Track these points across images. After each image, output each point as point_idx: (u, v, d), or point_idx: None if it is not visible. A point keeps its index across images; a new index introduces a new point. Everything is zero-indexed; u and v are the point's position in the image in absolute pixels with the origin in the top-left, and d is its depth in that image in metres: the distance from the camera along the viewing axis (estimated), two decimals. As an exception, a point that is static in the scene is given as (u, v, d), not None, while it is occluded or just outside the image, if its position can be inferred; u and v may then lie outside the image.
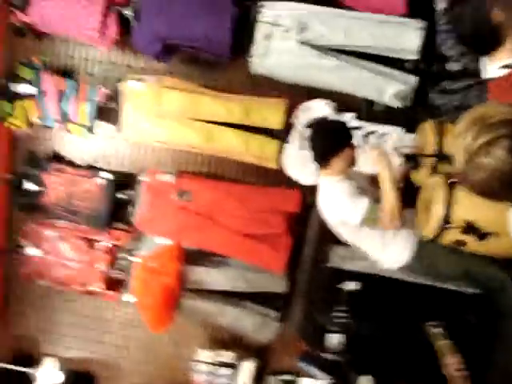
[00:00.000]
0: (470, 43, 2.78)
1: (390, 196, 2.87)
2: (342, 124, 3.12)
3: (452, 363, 2.51)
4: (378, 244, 3.12)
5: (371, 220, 2.90)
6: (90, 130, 4.06)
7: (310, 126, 3.07)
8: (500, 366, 3.28)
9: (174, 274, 3.83)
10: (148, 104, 3.87)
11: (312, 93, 3.93)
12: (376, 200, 2.93)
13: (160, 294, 3.80)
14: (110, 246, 4.27)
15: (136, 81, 3.93)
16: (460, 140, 1.49)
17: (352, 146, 3.01)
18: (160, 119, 3.90)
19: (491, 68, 2.41)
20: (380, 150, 3.07)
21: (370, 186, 3.14)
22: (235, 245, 3.91)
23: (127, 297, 4.22)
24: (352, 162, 3.01)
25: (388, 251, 3.11)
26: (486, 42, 2.35)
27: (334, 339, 3.77)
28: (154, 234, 4.14)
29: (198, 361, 4.42)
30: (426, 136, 3.24)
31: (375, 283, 3.63)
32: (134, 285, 4.03)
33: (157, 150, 4.26)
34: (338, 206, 2.97)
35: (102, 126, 4.10)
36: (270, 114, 3.88)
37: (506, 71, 2.33)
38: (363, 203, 2.89)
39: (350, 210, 2.91)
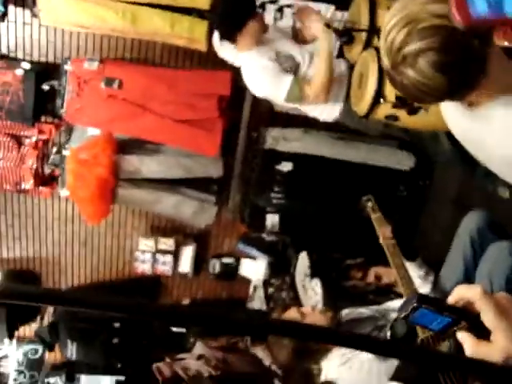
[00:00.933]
0: None
1: (322, 69, 2.83)
2: None
3: (384, 233, 2.60)
4: None
5: (296, 97, 2.87)
6: (2, 16, 3.75)
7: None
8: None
9: (107, 164, 3.75)
10: (66, -16, 3.58)
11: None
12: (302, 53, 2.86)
13: (94, 186, 3.73)
14: (40, 140, 4.10)
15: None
16: (388, 39, 1.39)
17: (255, 17, 2.89)
18: (80, 1, 3.63)
19: None
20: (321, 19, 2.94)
21: (293, 42, 3.07)
22: (167, 131, 3.82)
23: (62, 192, 4.12)
24: (262, 30, 2.91)
25: (320, 106, 3.10)
26: None
27: (272, 220, 3.86)
28: (84, 125, 3.99)
29: (140, 250, 4.47)
30: (360, 10, 3.16)
31: (309, 163, 3.68)
32: (67, 179, 3.93)
33: (79, 35, 3.99)
34: (261, 84, 2.92)
35: (16, 12, 3.79)
36: (198, -7, 3.67)
37: None
38: (286, 81, 2.84)
39: (274, 89, 2.87)
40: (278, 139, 3.66)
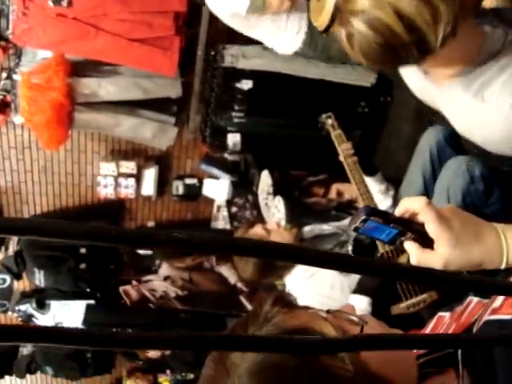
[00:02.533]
0: None
1: None
2: None
3: (344, 150, 2.59)
4: (271, 28, 3.00)
5: (259, 5, 2.76)
6: None
7: None
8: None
9: (61, 88, 3.61)
10: None
11: None
12: None
13: (50, 111, 3.60)
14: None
15: None
16: None
17: None
18: None
19: None
20: None
21: None
22: (122, 50, 3.65)
23: (17, 118, 3.98)
24: None
25: (281, 36, 3.00)
26: None
27: (234, 139, 3.83)
28: (34, 47, 3.80)
29: (101, 175, 4.42)
30: None
31: (270, 80, 3.62)
32: (21, 105, 3.79)
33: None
34: None
35: None
36: None
37: None
38: None
39: None
40: (238, 57, 3.55)
